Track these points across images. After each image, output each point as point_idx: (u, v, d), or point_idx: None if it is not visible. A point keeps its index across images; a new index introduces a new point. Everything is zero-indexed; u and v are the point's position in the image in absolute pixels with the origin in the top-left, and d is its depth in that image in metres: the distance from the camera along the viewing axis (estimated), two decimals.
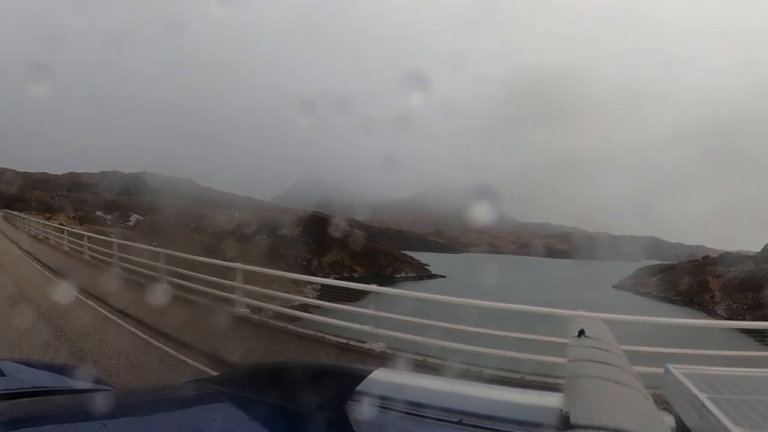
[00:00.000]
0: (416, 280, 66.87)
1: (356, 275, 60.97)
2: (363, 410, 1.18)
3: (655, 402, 1.03)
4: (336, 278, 40.63)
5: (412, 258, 75.45)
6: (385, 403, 1.19)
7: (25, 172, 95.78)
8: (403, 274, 68.49)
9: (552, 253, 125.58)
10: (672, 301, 56.30)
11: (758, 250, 59.82)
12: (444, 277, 68.16)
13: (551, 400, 1.09)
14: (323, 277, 36.44)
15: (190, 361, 6.74)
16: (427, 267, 73.32)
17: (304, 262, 60.48)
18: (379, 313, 7.75)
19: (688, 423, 1.28)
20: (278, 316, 9.71)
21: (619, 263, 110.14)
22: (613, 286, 69.87)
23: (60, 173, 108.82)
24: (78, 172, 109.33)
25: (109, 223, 60.47)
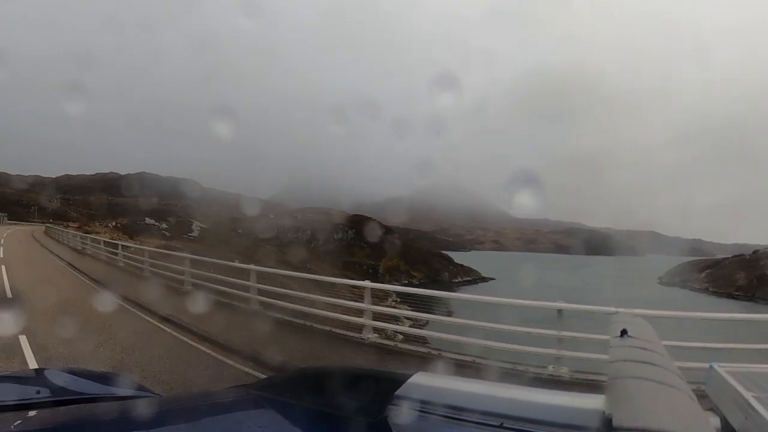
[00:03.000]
0: (470, 283, 64.54)
1: (415, 281, 57.32)
2: (403, 414, 1.18)
3: (700, 401, 0.98)
4: (398, 285, 39.91)
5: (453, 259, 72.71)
6: (424, 407, 1.18)
7: (18, 175, 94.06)
8: (459, 279, 65.84)
9: (559, 248, 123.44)
10: (733, 297, 55.13)
11: (755, 243, 59.66)
12: (493, 279, 66.51)
13: (593, 402, 1.08)
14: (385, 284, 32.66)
15: None
16: (476, 270, 70.62)
17: (370, 270, 57.07)
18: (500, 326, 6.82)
19: (734, 423, 1.25)
20: (408, 338, 8.43)
21: (630, 258, 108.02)
22: (660, 282, 68.47)
23: (54, 176, 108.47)
24: (72, 174, 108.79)
25: (168, 234, 53.28)
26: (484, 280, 67.72)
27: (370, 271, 56.27)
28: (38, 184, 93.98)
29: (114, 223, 56.24)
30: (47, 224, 54.44)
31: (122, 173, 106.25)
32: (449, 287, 56.29)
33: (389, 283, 44.00)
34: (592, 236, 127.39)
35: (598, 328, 5.74)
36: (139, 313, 10.01)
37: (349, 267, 53.96)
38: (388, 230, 68.45)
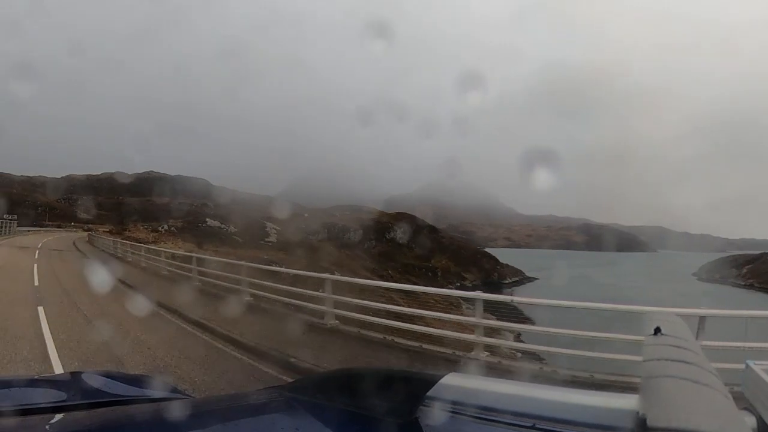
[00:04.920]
0: (518, 284, 62.19)
1: (467, 283, 53.08)
2: (434, 416, 1.18)
3: (736, 401, 0.97)
4: (453, 288, 36.29)
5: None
6: (456, 408, 1.18)
7: (23, 176, 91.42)
8: (508, 279, 63.15)
9: (571, 245, 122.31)
10: None
11: (762, 239, 58.86)
12: (537, 279, 64.51)
13: (627, 402, 1.06)
14: (440, 288, 29.33)
15: None
16: (520, 270, 67.97)
17: (429, 272, 53.47)
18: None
19: None
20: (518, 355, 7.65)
21: (649, 255, 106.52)
22: (699, 279, 67.38)
23: (59, 176, 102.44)
24: (77, 174, 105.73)
25: (240, 240, 43.56)
26: (529, 279, 65.19)
27: (429, 273, 53.09)
28: (43, 184, 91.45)
29: (166, 227, 47.17)
30: (79, 229, 51.29)
31: (129, 173, 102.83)
32: (500, 288, 53.75)
33: (443, 286, 38.88)
34: (603, 232, 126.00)
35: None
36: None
37: (409, 270, 51.00)
38: (432, 228, 65.34)
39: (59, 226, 72.65)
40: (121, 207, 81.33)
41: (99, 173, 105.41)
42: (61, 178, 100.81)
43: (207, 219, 48.11)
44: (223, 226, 47.68)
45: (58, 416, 1.68)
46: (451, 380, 1.31)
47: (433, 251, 57.41)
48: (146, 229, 47.14)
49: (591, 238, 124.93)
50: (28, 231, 52.50)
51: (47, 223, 73.65)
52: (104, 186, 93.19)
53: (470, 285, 50.09)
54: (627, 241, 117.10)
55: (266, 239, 46.70)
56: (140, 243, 26.37)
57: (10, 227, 45.88)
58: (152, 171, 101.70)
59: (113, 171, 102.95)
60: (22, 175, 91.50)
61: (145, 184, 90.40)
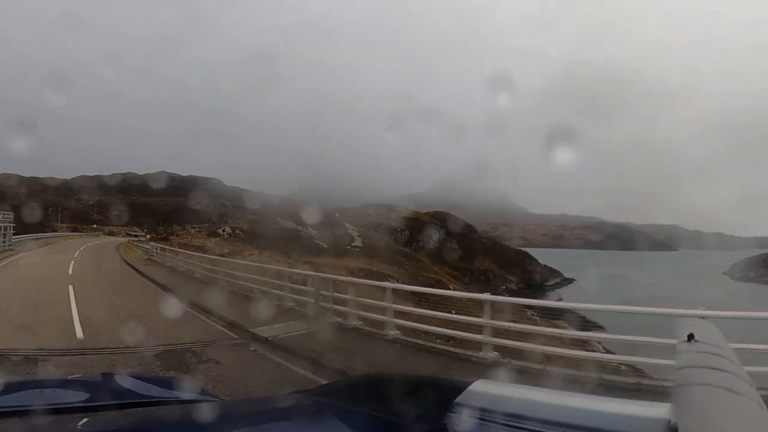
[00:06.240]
0: (559, 286, 60.06)
1: (512, 286, 50.95)
2: (463, 422, 1.17)
3: None
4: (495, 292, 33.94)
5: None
6: (485, 414, 1.17)
7: (32, 177, 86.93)
8: (550, 281, 61.23)
9: (586, 244, 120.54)
10: None
11: None
12: (574, 280, 62.94)
13: (658, 411, 1.05)
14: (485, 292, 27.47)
15: None
16: (559, 270, 65.71)
17: (481, 276, 50.39)
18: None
19: None
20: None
21: (669, 254, 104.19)
22: (734, 279, 66.08)
23: (69, 177, 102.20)
24: (89, 174, 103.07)
25: (325, 246, 35.64)
26: (568, 281, 62.97)
27: (482, 277, 50.15)
28: (51, 186, 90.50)
29: (228, 229, 38.12)
30: (100, 233, 44.95)
31: (140, 173, 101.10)
32: (543, 291, 52.16)
33: (488, 290, 32.08)
34: (619, 231, 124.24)
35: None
36: None
37: (465, 274, 48.42)
38: (471, 228, 62.45)
39: (75, 229, 65.78)
40: (139, 208, 78.91)
41: (109, 173, 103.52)
42: (71, 179, 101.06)
43: (278, 219, 38.80)
44: (300, 227, 38.34)
45: (90, 416, 1.72)
46: (480, 387, 1.30)
47: (475, 252, 55.28)
48: (199, 232, 38.71)
49: (606, 237, 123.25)
50: (40, 238, 36.89)
51: (60, 225, 65.73)
52: (114, 187, 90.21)
53: (515, 288, 48.49)
54: (643, 240, 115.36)
55: (352, 244, 40.64)
56: (224, 257, 20.29)
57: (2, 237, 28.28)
58: (163, 171, 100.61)
59: (124, 171, 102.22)
60: (30, 176, 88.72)
61: (158, 185, 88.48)
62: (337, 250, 35.60)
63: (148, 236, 47.91)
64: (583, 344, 7.62)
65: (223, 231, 37.97)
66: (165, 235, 39.99)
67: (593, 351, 8.33)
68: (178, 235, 37.45)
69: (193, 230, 39.87)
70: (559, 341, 7.74)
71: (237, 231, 37.70)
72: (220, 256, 21.43)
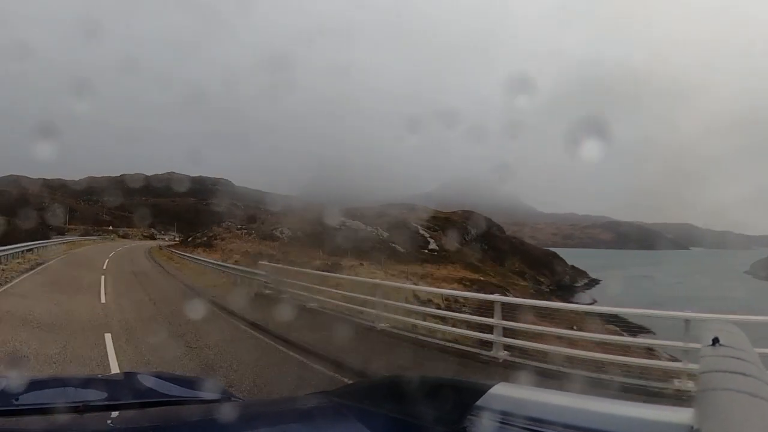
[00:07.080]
0: (588, 287, 58.38)
1: (544, 287, 49.33)
2: (483, 425, 1.17)
3: None
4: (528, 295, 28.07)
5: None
6: (505, 418, 1.16)
7: (41, 179, 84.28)
8: (579, 282, 59.54)
9: (597, 243, 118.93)
10: None
11: None
12: (600, 281, 61.21)
13: (681, 416, 1.03)
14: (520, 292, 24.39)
15: None
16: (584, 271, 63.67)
17: (526, 276, 48.72)
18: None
19: None
20: None
21: (686, 252, 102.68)
22: (757, 278, 63.71)
23: (77, 178, 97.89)
24: (97, 176, 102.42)
25: (402, 250, 31.05)
26: (595, 281, 60.73)
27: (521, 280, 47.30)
28: (57, 188, 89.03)
29: (288, 231, 32.89)
30: (172, 250, 26.27)
31: (148, 174, 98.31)
32: (573, 292, 50.72)
33: (559, 298, 30.21)
34: (631, 230, 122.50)
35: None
36: None
37: (518, 276, 46.87)
38: (499, 228, 61.16)
39: (86, 233, 56.91)
40: (151, 209, 76.51)
41: (117, 174, 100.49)
42: (78, 180, 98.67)
43: (344, 220, 33.93)
44: (371, 228, 33.89)
45: (113, 414, 1.77)
46: (501, 390, 1.30)
47: (505, 252, 53.63)
48: (248, 235, 33.35)
49: (618, 236, 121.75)
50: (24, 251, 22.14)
51: (69, 227, 58.10)
52: (123, 188, 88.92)
53: (547, 290, 46.37)
54: (656, 239, 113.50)
55: (429, 248, 37.80)
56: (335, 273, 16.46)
57: None
58: (173, 172, 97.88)
59: (132, 172, 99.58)
60: (39, 177, 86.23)
61: (168, 186, 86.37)
62: (416, 255, 31.40)
63: (177, 239, 42.21)
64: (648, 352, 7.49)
65: (282, 233, 32.28)
66: (205, 239, 33.22)
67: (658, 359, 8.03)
68: (223, 239, 31.63)
69: (238, 232, 33.92)
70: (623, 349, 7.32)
71: (299, 233, 31.80)
72: (326, 271, 16.69)
